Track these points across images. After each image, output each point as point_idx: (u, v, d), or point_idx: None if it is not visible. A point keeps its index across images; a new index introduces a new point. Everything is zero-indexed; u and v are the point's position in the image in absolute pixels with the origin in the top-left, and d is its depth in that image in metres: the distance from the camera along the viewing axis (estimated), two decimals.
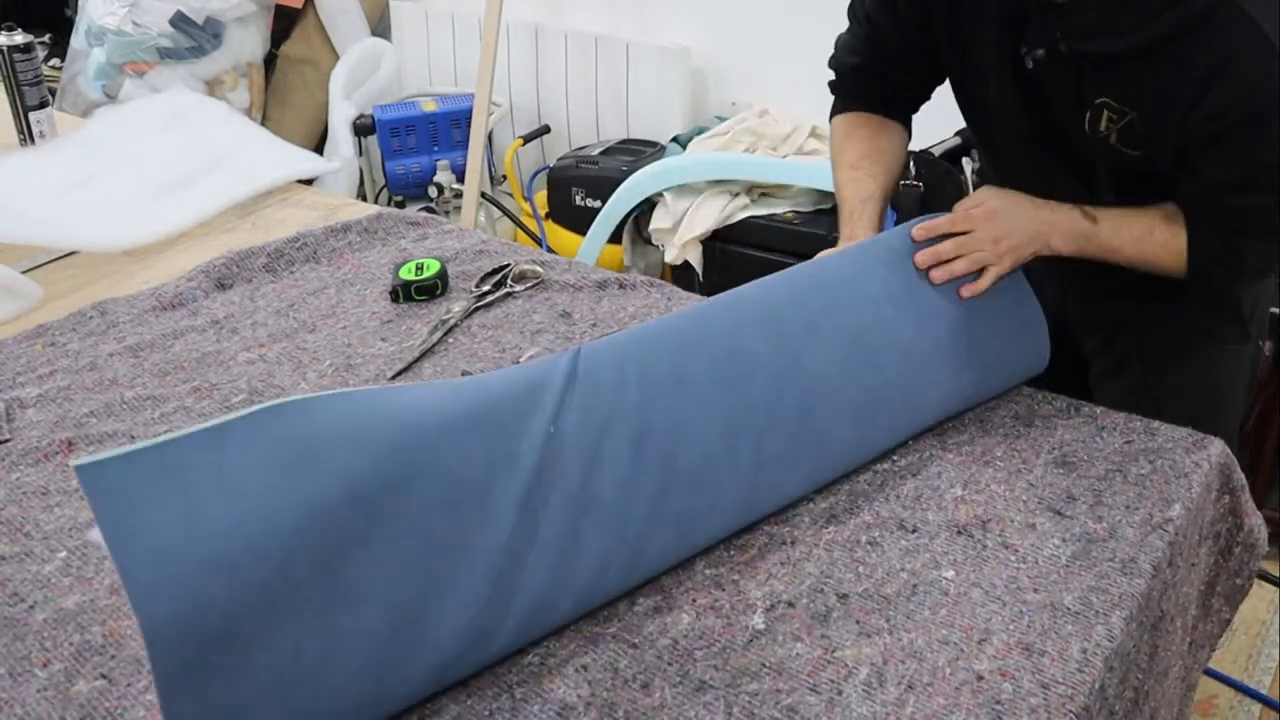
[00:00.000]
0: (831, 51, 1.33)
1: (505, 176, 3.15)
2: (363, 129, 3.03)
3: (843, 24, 1.32)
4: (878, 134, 1.29)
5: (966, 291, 1.08)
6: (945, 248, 1.08)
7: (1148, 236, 1.10)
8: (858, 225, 1.21)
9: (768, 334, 0.97)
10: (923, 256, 1.08)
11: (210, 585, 0.67)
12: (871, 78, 1.29)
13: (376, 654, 0.74)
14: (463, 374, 1.10)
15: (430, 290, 1.39)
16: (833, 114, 1.34)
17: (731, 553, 0.95)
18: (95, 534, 0.69)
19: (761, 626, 0.87)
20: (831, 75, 1.34)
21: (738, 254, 2.53)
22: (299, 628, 0.70)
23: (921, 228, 1.10)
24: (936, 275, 1.08)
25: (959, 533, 0.96)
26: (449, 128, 3.02)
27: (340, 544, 0.72)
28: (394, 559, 0.74)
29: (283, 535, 0.70)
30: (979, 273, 1.09)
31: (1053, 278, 1.24)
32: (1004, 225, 1.09)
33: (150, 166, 1.71)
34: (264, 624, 0.69)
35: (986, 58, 1.14)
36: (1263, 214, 1.04)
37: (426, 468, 0.76)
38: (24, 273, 1.45)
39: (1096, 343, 1.32)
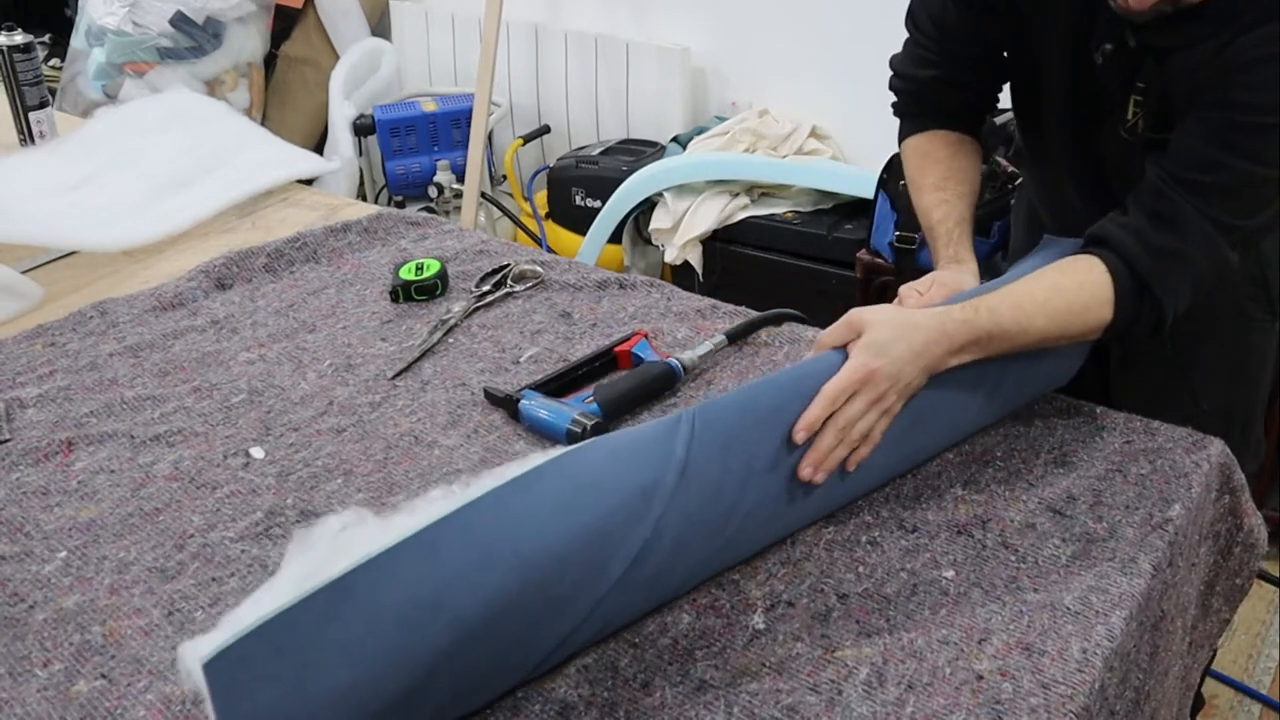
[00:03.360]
0: (890, 72, 1.30)
1: (505, 176, 3.15)
2: (363, 129, 3.03)
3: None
4: (957, 153, 1.25)
5: (852, 464, 0.95)
6: (825, 443, 0.92)
7: (1055, 294, 1.02)
8: (960, 247, 1.17)
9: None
10: (806, 469, 0.92)
11: None
12: (946, 89, 1.25)
13: None
14: (567, 435, 1.07)
15: (430, 290, 1.39)
16: (902, 135, 1.29)
17: None
18: (187, 667, 0.67)
19: (761, 626, 0.87)
20: (893, 97, 1.31)
21: (738, 254, 2.53)
22: None
23: (800, 428, 0.92)
24: (817, 479, 0.92)
25: (959, 533, 0.96)
26: (449, 128, 3.02)
27: (431, 675, 0.71)
28: (466, 671, 0.74)
29: (387, 688, 0.69)
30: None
31: None
32: (885, 376, 0.94)
33: (150, 166, 1.71)
34: None
35: (1049, 49, 1.13)
36: (1231, 196, 1.01)
37: (530, 595, 0.75)
38: (24, 273, 1.45)
39: None
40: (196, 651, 0.65)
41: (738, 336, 1.25)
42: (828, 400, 0.92)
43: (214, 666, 0.65)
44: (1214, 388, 1.16)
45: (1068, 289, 1.02)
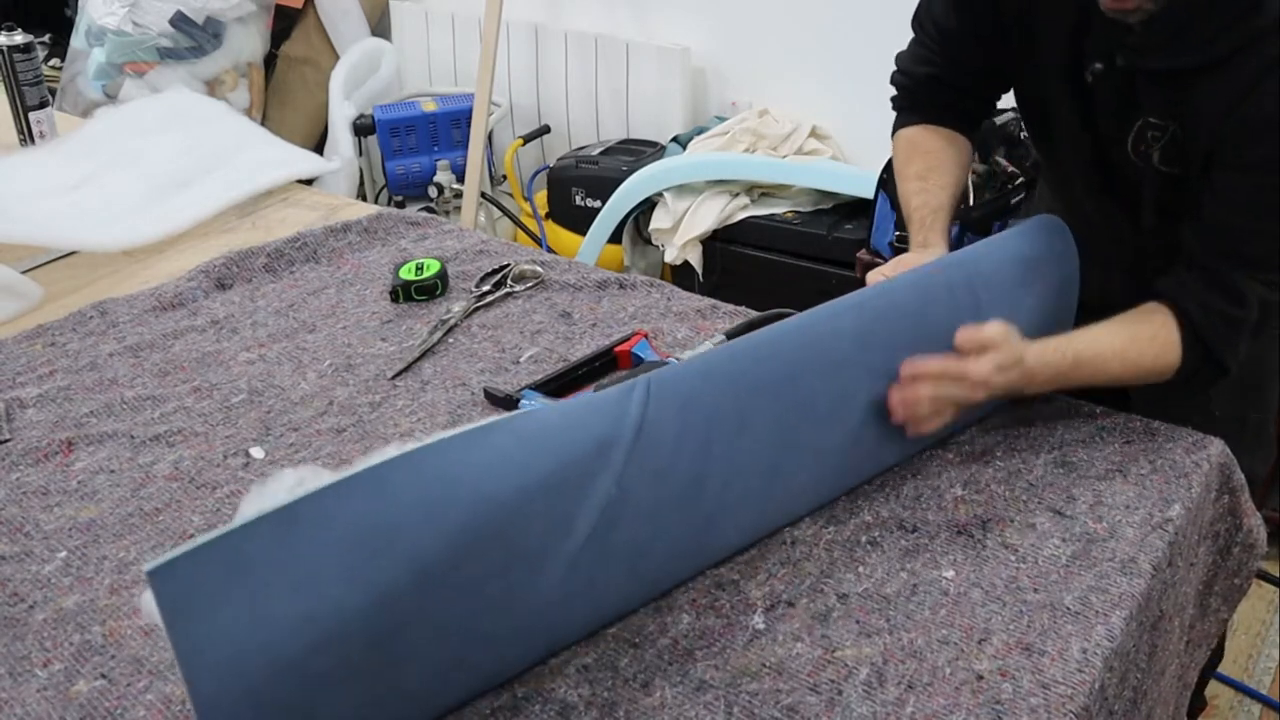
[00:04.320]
0: (894, 68, 1.31)
1: (505, 176, 3.15)
2: (363, 129, 3.03)
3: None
4: (945, 146, 1.26)
5: (911, 431, 1.01)
6: (922, 404, 1.00)
7: (1131, 345, 1.07)
8: (931, 233, 1.19)
9: (828, 378, 0.96)
10: (898, 408, 0.99)
11: (275, 687, 0.67)
12: (943, 89, 1.27)
13: (406, 712, 0.75)
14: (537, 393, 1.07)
15: (430, 290, 1.39)
16: (896, 128, 1.31)
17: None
18: (148, 604, 0.67)
19: (761, 626, 0.87)
20: (893, 91, 1.32)
21: (738, 254, 2.53)
22: (344, 696, 0.71)
23: (911, 369, 1.00)
24: (897, 417, 1.00)
25: (959, 533, 0.96)
26: (449, 128, 3.02)
27: (398, 621, 0.71)
28: (442, 626, 0.74)
29: (348, 624, 0.69)
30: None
31: (1096, 260, 1.23)
32: (988, 390, 1.02)
33: (150, 166, 1.71)
34: (318, 705, 0.70)
35: (1052, 68, 1.14)
36: (1271, 251, 1.03)
37: (490, 541, 0.75)
38: (24, 273, 1.45)
39: None
40: (147, 567, 0.65)
41: (738, 336, 1.25)
42: (949, 370, 1.00)
43: (161, 577, 0.64)
44: (1228, 395, 1.18)
45: (1142, 339, 1.07)
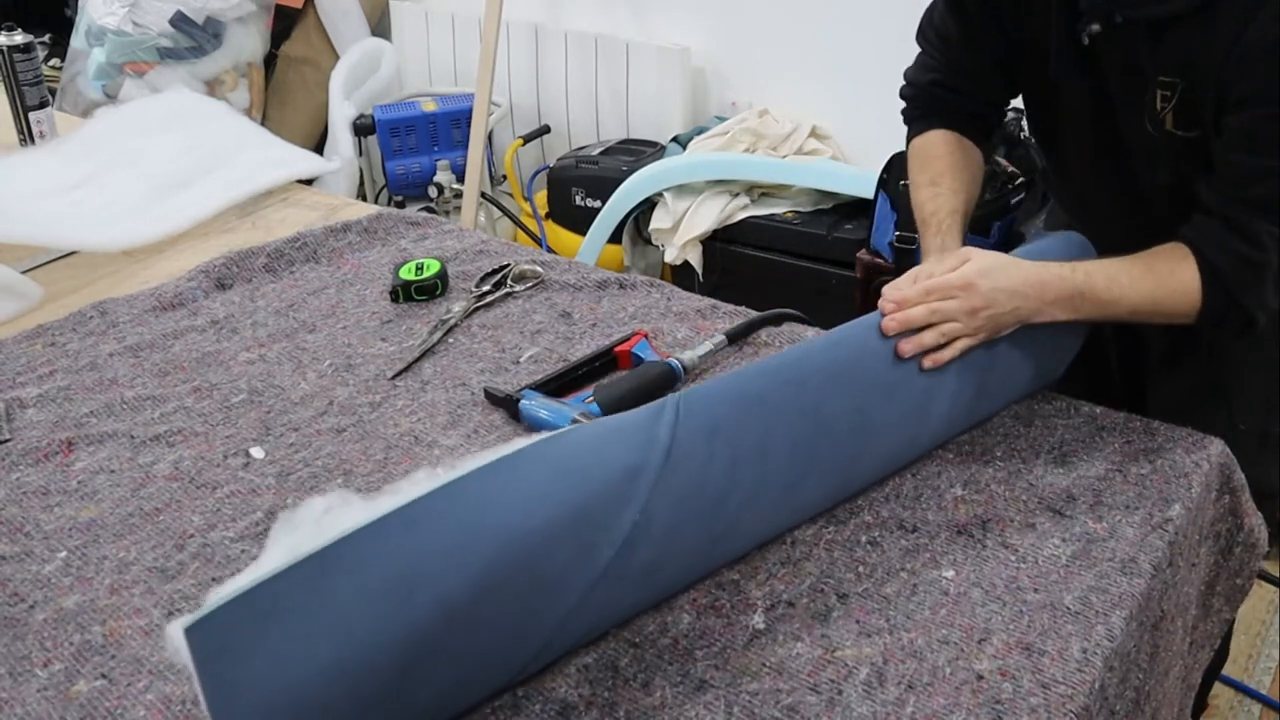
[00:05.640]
0: (902, 82, 1.32)
1: (505, 176, 3.15)
2: (363, 129, 3.03)
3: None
4: (956, 151, 1.26)
5: (928, 362, 1.02)
6: (916, 314, 1.02)
7: (1147, 274, 1.05)
8: (948, 237, 1.18)
9: (847, 397, 0.96)
10: (890, 323, 1.02)
11: None
12: (949, 93, 1.27)
13: None
14: (571, 420, 1.07)
15: (430, 290, 1.39)
16: (908, 140, 1.31)
17: None
18: (174, 642, 0.67)
19: (761, 626, 0.87)
20: (902, 104, 1.32)
21: (738, 254, 2.53)
22: None
23: (889, 298, 1.03)
24: (904, 348, 1.01)
25: (959, 533, 0.96)
26: (449, 128, 3.02)
27: (419, 654, 0.71)
28: (458, 655, 0.74)
29: (373, 663, 0.69)
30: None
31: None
32: (983, 295, 1.02)
33: (150, 166, 1.71)
34: None
35: (1049, 42, 1.13)
36: None
37: (515, 575, 0.75)
38: (24, 273, 1.45)
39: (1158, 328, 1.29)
40: (181, 624, 0.65)
41: (738, 336, 1.25)
42: (925, 289, 1.02)
43: (196, 633, 0.64)
44: (1252, 408, 1.18)
45: (1160, 272, 1.05)
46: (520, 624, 0.77)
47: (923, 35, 1.29)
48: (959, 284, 1.02)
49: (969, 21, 1.21)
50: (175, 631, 0.66)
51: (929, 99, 1.28)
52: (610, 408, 1.11)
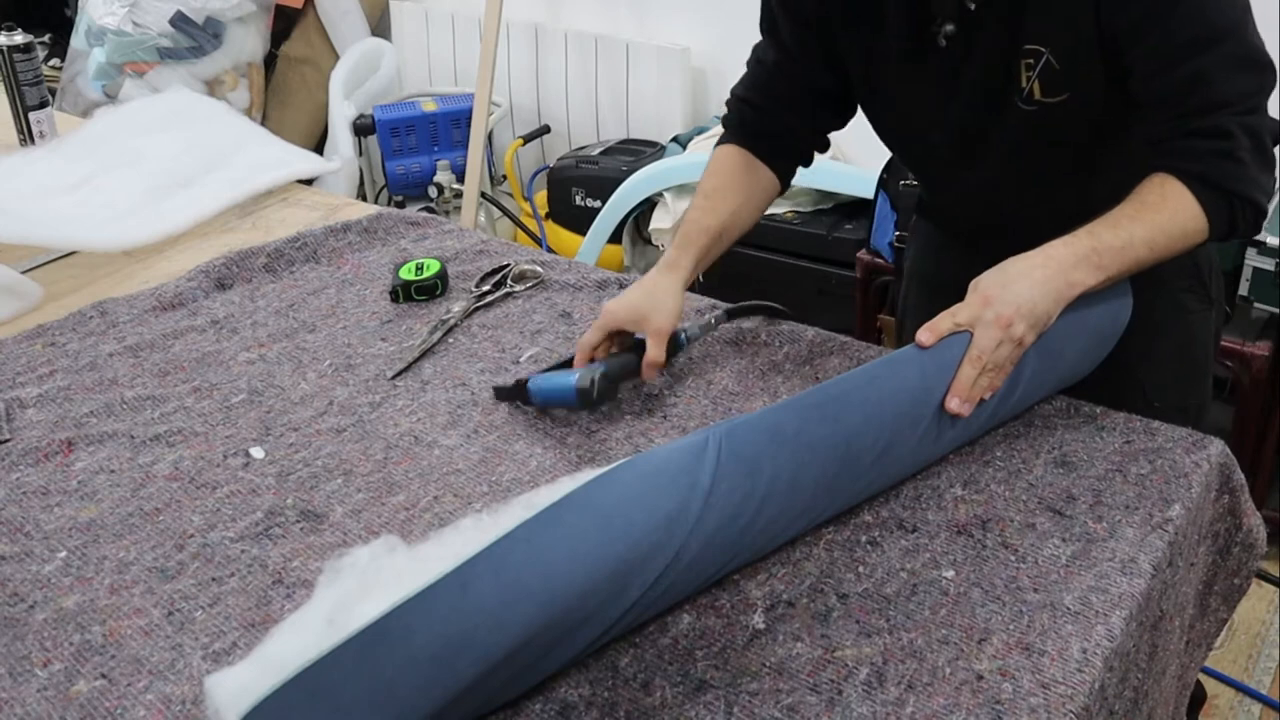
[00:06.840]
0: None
1: (505, 176, 3.16)
2: (363, 129, 3.04)
3: None
4: (739, 171, 1.26)
5: (987, 395, 1.01)
6: (965, 375, 0.99)
7: (1144, 208, 1.03)
8: (683, 254, 1.19)
9: (876, 432, 0.96)
10: (953, 403, 0.99)
11: None
12: (754, 113, 1.27)
13: None
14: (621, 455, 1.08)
15: (430, 290, 1.39)
16: (715, 145, 1.32)
17: None
18: (215, 705, 0.68)
19: (761, 626, 0.87)
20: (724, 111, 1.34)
21: (738, 254, 2.50)
22: None
23: (956, 395, 1.00)
24: (965, 411, 0.99)
25: (959, 533, 0.96)
26: (449, 128, 3.02)
27: (450, 709, 0.72)
28: (487, 696, 0.76)
29: None
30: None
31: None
32: (1007, 301, 1.00)
33: (150, 166, 1.71)
34: None
35: (894, 51, 1.14)
36: (1230, 82, 1.01)
37: (551, 628, 0.75)
38: (24, 273, 1.45)
39: None
40: (226, 688, 0.65)
41: (736, 315, 1.30)
42: (978, 363, 0.99)
43: (250, 717, 0.65)
44: (1164, 384, 1.20)
45: (1153, 203, 1.04)
46: (543, 660, 0.78)
47: (751, 57, 1.30)
48: (979, 303, 1.00)
49: (782, 50, 1.23)
50: (219, 694, 0.66)
51: (737, 116, 1.29)
52: (618, 374, 1.14)
